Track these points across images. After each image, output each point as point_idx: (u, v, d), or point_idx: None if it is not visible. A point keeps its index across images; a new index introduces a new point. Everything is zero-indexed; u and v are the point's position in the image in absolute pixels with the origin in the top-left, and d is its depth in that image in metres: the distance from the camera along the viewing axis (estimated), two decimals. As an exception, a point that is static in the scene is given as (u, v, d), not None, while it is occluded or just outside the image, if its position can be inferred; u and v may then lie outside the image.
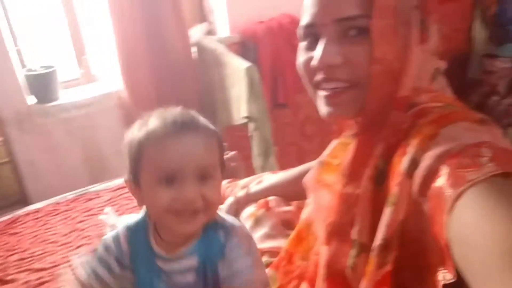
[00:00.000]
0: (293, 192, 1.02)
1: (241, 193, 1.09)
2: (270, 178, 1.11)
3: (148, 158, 0.65)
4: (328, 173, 0.70)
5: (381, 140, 0.60)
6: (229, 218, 0.73)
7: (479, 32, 2.53)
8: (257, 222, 0.96)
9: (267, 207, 1.00)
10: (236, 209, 1.04)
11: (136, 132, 0.67)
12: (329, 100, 0.63)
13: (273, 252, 0.86)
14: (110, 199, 1.53)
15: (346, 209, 0.63)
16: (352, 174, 0.63)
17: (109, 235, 0.73)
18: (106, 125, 2.13)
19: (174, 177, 0.63)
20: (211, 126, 0.69)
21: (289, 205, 1.04)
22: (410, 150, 0.55)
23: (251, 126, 1.80)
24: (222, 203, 0.73)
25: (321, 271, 0.67)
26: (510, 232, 0.41)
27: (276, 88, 2.26)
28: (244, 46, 2.16)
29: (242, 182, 1.20)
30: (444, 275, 0.48)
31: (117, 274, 0.71)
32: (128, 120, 2.08)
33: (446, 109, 0.58)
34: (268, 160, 1.83)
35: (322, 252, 0.68)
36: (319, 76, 0.63)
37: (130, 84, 2.03)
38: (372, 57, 0.58)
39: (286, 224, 0.97)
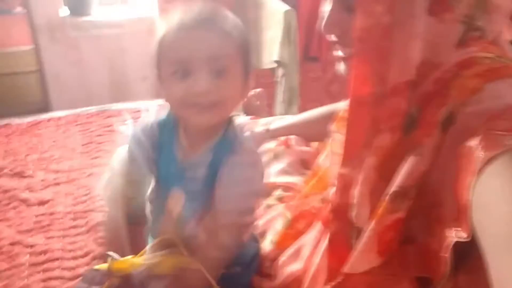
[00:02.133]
0: (313, 132, 1.01)
1: (260, 129, 1.09)
2: (291, 118, 1.10)
3: (165, 52, 0.66)
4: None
5: (381, 123, 0.57)
6: (247, 134, 0.74)
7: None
8: (276, 157, 0.97)
9: (287, 145, 1.00)
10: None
11: (160, 30, 0.68)
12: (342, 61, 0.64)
13: (286, 187, 0.87)
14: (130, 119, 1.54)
15: (346, 190, 0.61)
16: (349, 157, 0.61)
17: (145, 121, 0.75)
18: (135, 49, 2.12)
19: (188, 70, 0.64)
20: (235, 22, 0.69)
21: (308, 145, 1.04)
22: (449, 102, 0.51)
23: (279, 71, 1.78)
24: (239, 101, 0.73)
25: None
26: None
27: (309, 40, 2.22)
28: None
29: (263, 121, 1.20)
30: (457, 233, 0.46)
31: (149, 156, 0.72)
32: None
33: (496, 61, 0.54)
34: (291, 108, 1.82)
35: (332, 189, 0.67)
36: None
37: (165, 12, 2.00)
38: (354, 29, 0.53)
39: (304, 163, 0.97)
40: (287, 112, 1.84)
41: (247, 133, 0.73)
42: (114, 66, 2.12)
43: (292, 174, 0.93)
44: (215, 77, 0.65)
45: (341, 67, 0.65)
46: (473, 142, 0.46)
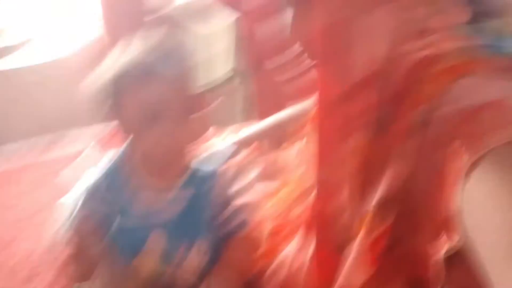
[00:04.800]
0: (282, 135, 1.00)
1: (227, 141, 1.06)
2: (257, 124, 1.08)
3: (124, 98, 0.63)
4: None
5: (353, 120, 0.56)
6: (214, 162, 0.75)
7: None
8: (249, 165, 0.94)
9: (259, 151, 0.98)
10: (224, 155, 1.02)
11: (117, 57, 0.65)
12: None
13: (265, 196, 0.85)
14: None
15: (327, 197, 0.60)
16: (325, 161, 0.60)
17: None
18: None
19: (153, 117, 0.62)
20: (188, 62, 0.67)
21: (280, 149, 1.02)
22: (422, 102, 0.50)
23: (236, 81, 1.76)
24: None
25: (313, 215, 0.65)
26: None
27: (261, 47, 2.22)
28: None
29: (227, 130, 1.18)
30: (448, 239, 0.45)
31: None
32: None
33: (462, 53, 0.52)
34: (251, 116, 1.81)
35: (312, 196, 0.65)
36: None
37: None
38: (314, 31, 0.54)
39: (279, 168, 0.95)
40: (247, 120, 1.83)
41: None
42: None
43: (268, 181, 0.91)
44: (175, 125, 0.63)
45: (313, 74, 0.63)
46: (454, 146, 0.44)
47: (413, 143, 0.50)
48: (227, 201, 0.72)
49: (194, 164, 0.71)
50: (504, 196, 0.39)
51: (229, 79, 1.79)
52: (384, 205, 0.52)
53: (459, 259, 0.46)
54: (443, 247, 0.44)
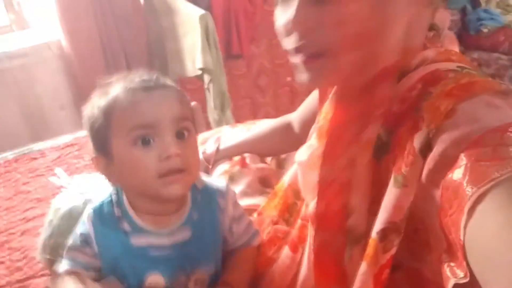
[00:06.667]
0: (267, 147, 0.97)
1: (209, 150, 1.02)
2: (239, 134, 1.04)
3: (118, 121, 0.59)
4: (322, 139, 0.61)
5: (371, 111, 0.53)
6: (217, 180, 0.72)
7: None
8: (232, 179, 0.91)
9: (242, 164, 0.94)
10: (206, 167, 0.98)
11: (97, 101, 0.61)
12: (307, 65, 0.54)
13: (250, 210, 0.81)
14: (57, 158, 1.41)
15: (333, 195, 0.57)
16: (332, 155, 0.56)
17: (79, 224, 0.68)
18: (45, 77, 1.95)
19: (151, 135, 0.59)
20: (177, 86, 0.66)
21: (264, 162, 0.99)
22: (424, 126, 0.47)
23: (206, 78, 1.71)
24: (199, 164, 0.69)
25: (309, 252, 0.61)
26: None
27: (229, 38, 2.17)
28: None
29: (201, 137, 1.14)
30: (451, 270, 0.43)
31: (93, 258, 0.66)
32: (71, 72, 1.92)
33: (461, 74, 0.51)
34: (225, 113, 1.77)
35: (310, 233, 0.62)
36: (294, 39, 0.54)
37: (71, 32, 1.85)
38: (338, 18, 0.49)
39: (263, 182, 0.93)
40: (221, 118, 1.79)
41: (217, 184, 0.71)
42: (25, 100, 1.93)
43: (253, 195, 0.88)
44: (180, 141, 0.60)
45: (303, 75, 0.55)
46: (457, 174, 0.42)
47: (416, 170, 0.48)
48: (242, 214, 0.71)
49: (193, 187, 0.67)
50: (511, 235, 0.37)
51: (198, 76, 1.74)
52: (388, 235, 0.50)
53: None
54: (449, 279, 0.43)
